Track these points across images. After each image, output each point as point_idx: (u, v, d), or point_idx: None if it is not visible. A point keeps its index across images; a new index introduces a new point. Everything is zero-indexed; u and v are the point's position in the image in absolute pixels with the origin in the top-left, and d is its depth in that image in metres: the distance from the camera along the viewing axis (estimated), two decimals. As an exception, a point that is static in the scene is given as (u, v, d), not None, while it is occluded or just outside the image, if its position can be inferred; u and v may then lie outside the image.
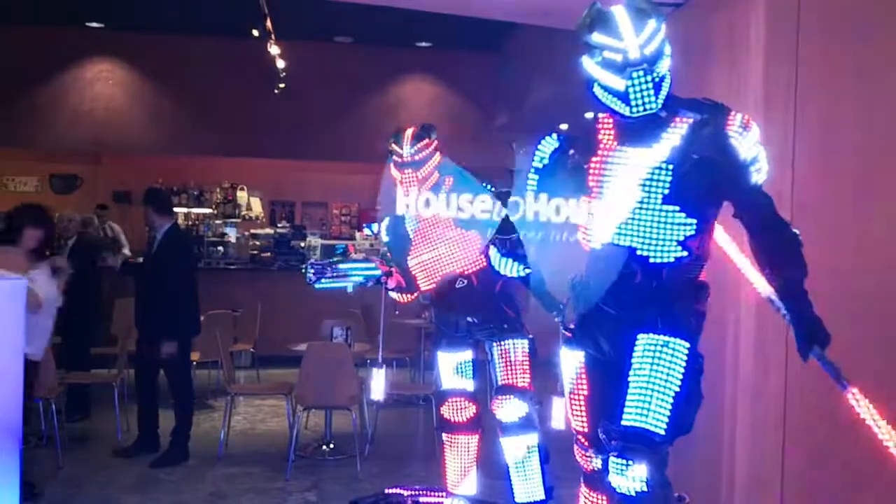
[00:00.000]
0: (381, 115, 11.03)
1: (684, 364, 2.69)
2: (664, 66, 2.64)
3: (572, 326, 2.97)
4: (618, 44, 2.59)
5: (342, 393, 5.77)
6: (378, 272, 4.52)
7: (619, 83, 2.62)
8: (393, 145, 4.24)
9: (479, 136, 10.86)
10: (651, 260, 2.72)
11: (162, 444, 5.91)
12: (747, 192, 2.75)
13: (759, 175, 2.74)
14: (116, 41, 10.88)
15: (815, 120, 3.96)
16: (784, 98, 3.97)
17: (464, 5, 5.81)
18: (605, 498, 2.97)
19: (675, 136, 2.71)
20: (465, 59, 11.23)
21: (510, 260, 3.21)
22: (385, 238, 4.57)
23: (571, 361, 2.98)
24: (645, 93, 2.61)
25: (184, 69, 10.86)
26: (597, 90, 2.70)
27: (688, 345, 2.72)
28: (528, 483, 4.24)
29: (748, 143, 2.70)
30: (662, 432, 2.63)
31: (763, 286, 2.98)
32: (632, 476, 2.60)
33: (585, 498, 3.08)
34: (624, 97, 2.64)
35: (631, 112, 2.65)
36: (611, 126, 2.80)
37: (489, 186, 4.02)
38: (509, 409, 4.19)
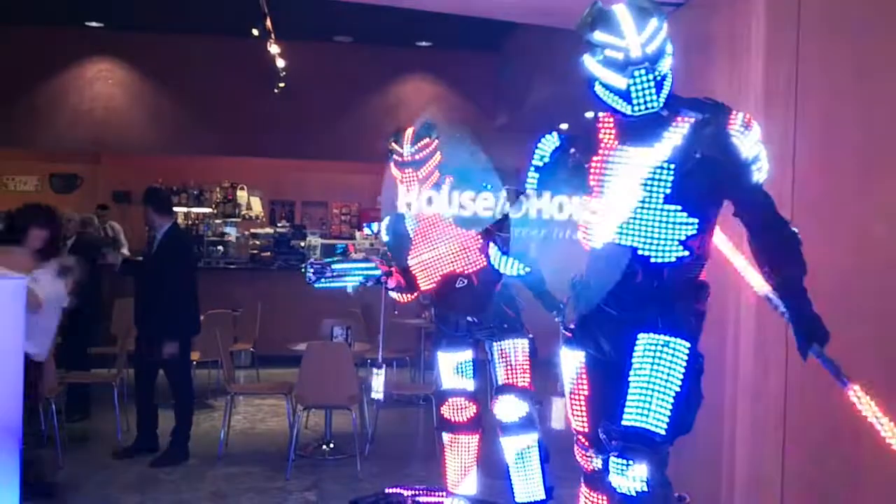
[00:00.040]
0: (381, 115, 11.03)
1: (685, 364, 2.69)
2: (666, 65, 2.64)
3: (572, 326, 2.97)
4: (620, 42, 2.59)
5: (342, 392, 5.77)
6: (378, 272, 4.52)
7: (620, 82, 2.62)
8: (393, 145, 4.24)
9: (479, 135, 10.83)
10: (652, 260, 2.72)
11: (162, 443, 5.91)
12: (749, 191, 2.75)
13: (760, 174, 2.74)
14: (116, 41, 10.88)
15: (816, 118, 3.96)
16: (784, 97, 3.97)
17: (464, 5, 5.81)
18: (605, 498, 2.97)
19: (676, 135, 2.71)
20: (466, 59, 11.23)
21: (511, 258, 3.19)
22: (385, 237, 4.57)
23: (571, 361, 2.98)
24: (647, 91, 2.61)
25: (184, 69, 10.86)
26: (598, 89, 2.70)
27: (688, 345, 2.72)
28: (528, 483, 4.24)
29: (750, 142, 2.70)
30: (663, 432, 2.62)
31: (760, 285, 2.98)
32: (632, 476, 2.60)
33: (586, 498, 3.08)
34: (626, 96, 2.63)
35: (633, 111, 2.65)
36: (611, 125, 2.80)
37: (488, 186, 4.02)
38: (509, 409, 4.19)
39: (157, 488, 5.33)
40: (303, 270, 4.53)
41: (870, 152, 3.97)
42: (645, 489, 2.58)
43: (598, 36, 2.62)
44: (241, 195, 11.76)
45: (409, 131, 4.25)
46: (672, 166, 2.69)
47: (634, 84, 2.61)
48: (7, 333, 4.04)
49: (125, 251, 10.26)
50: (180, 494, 5.22)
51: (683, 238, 2.71)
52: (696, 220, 2.71)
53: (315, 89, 11.07)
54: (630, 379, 2.71)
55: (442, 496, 4.47)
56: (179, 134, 11.22)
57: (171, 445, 5.88)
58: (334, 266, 4.48)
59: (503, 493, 4.40)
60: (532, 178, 2.92)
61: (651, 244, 2.71)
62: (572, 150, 2.85)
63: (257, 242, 10.80)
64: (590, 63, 2.68)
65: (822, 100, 3.98)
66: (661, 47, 2.62)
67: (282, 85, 10.69)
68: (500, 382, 4.25)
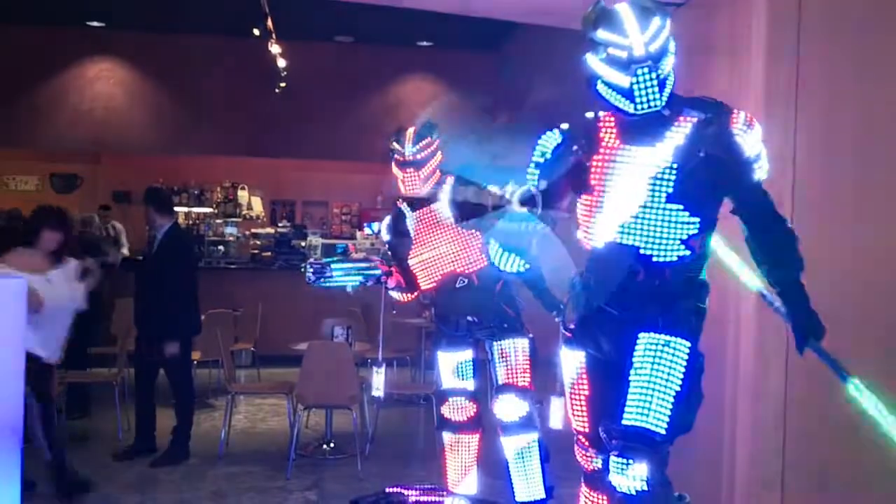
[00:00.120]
0: (381, 115, 11.03)
1: (685, 363, 2.69)
2: (669, 64, 2.64)
3: (572, 326, 2.97)
4: (623, 41, 2.59)
5: (343, 392, 5.77)
6: (378, 271, 4.52)
7: (623, 80, 2.62)
8: (395, 144, 4.24)
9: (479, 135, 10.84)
10: (654, 259, 2.72)
11: (162, 443, 5.91)
12: (749, 190, 2.76)
13: (760, 172, 2.75)
14: (117, 40, 10.88)
15: (816, 118, 3.97)
16: (785, 96, 3.97)
17: (464, 5, 5.81)
18: (605, 497, 2.96)
19: (679, 134, 2.71)
20: (466, 59, 11.23)
21: (511, 255, 3.18)
22: (386, 237, 4.57)
23: (571, 361, 2.98)
24: (650, 90, 2.61)
25: (184, 68, 10.86)
26: (600, 87, 2.70)
27: (689, 344, 2.72)
28: (528, 482, 4.24)
29: (752, 140, 2.71)
30: (663, 432, 2.62)
31: (754, 282, 2.99)
32: (632, 475, 2.60)
33: (586, 497, 3.08)
34: (628, 94, 2.63)
35: (635, 109, 2.65)
36: (613, 124, 2.80)
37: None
38: (510, 409, 4.19)
39: (158, 488, 5.33)
40: (303, 270, 4.53)
41: (870, 152, 3.98)
42: (645, 488, 2.58)
43: (602, 34, 2.62)
44: (242, 195, 11.77)
45: (411, 131, 4.26)
46: (675, 166, 2.69)
47: (637, 82, 2.61)
48: (7, 333, 4.04)
49: (125, 251, 10.28)
50: (181, 494, 5.22)
51: (685, 237, 2.72)
52: (698, 220, 2.72)
53: (316, 89, 11.07)
54: (630, 378, 2.70)
55: (443, 495, 4.47)
56: (180, 134, 11.22)
57: (171, 445, 5.88)
58: (334, 266, 4.49)
59: (503, 492, 4.40)
60: (532, 174, 2.92)
61: (653, 243, 2.71)
62: (574, 148, 2.85)
63: (258, 242, 10.80)
64: (593, 61, 2.67)
65: (823, 99, 3.98)
66: (664, 46, 2.62)
67: (283, 85, 10.69)
68: (500, 382, 4.25)
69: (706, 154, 2.68)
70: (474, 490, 4.45)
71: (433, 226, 4.31)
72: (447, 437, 4.45)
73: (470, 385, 4.40)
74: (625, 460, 2.61)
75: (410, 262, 4.39)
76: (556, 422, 3.92)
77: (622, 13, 2.60)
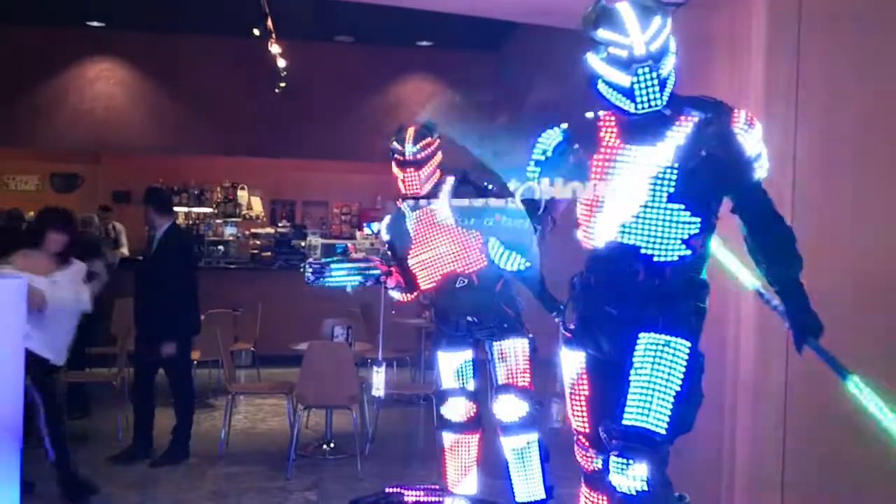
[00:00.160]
0: (381, 115, 11.02)
1: (685, 363, 2.69)
2: (669, 63, 2.64)
3: (572, 326, 2.97)
4: (623, 40, 2.58)
5: (343, 392, 5.77)
6: (377, 271, 4.51)
7: (624, 79, 2.61)
8: (395, 144, 4.24)
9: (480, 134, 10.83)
10: (655, 258, 2.72)
11: (162, 443, 5.90)
12: (750, 189, 2.77)
13: (761, 171, 2.76)
14: (117, 40, 10.88)
15: (817, 117, 3.96)
16: (785, 95, 3.97)
17: (464, 5, 5.82)
18: (605, 498, 2.96)
19: (680, 134, 2.71)
20: (466, 59, 11.23)
21: (512, 253, 3.16)
22: (386, 237, 4.57)
23: (571, 362, 2.98)
24: (650, 89, 2.61)
25: (184, 68, 10.86)
26: (601, 87, 2.69)
27: (689, 344, 2.72)
28: (528, 482, 4.23)
29: (753, 139, 2.72)
30: (663, 432, 2.62)
31: (751, 280, 3.00)
32: (632, 475, 2.60)
33: (586, 498, 3.08)
34: (629, 94, 2.63)
35: (636, 109, 2.65)
36: (613, 124, 2.80)
37: (489, 186, 4.02)
38: (510, 409, 4.19)
39: (158, 487, 5.33)
40: (302, 270, 4.54)
41: (870, 151, 3.97)
42: (645, 488, 2.58)
43: (602, 33, 2.62)
44: (242, 195, 11.77)
45: (411, 130, 4.25)
46: (676, 165, 2.69)
47: (638, 82, 2.60)
48: (7, 333, 4.04)
49: (125, 250, 10.29)
50: (181, 494, 5.22)
51: (686, 237, 2.72)
52: (699, 219, 2.72)
53: (316, 89, 11.07)
54: (630, 378, 2.70)
55: (442, 496, 4.47)
56: (180, 134, 11.22)
57: (171, 445, 5.87)
58: (333, 266, 4.48)
59: (503, 492, 4.40)
60: (533, 172, 2.91)
61: (654, 243, 2.71)
62: (576, 146, 2.84)
63: (258, 242, 10.80)
64: (593, 61, 2.67)
65: (823, 99, 3.98)
66: (665, 45, 2.61)
67: (283, 85, 10.69)
68: (500, 382, 4.25)
69: (707, 153, 2.68)
70: (474, 490, 4.45)
71: (433, 226, 4.31)
72: (448, 438, 4.44)
73: (470, 385, 4.39)
74: (625, 460, 2.61)
75: (410, 261, 4.39)
76: (556, 422, 3.92)
77: (623, 12, 2.60)
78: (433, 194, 4.29)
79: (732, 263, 3.16)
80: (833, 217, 3.94)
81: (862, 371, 2.72)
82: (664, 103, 2.65)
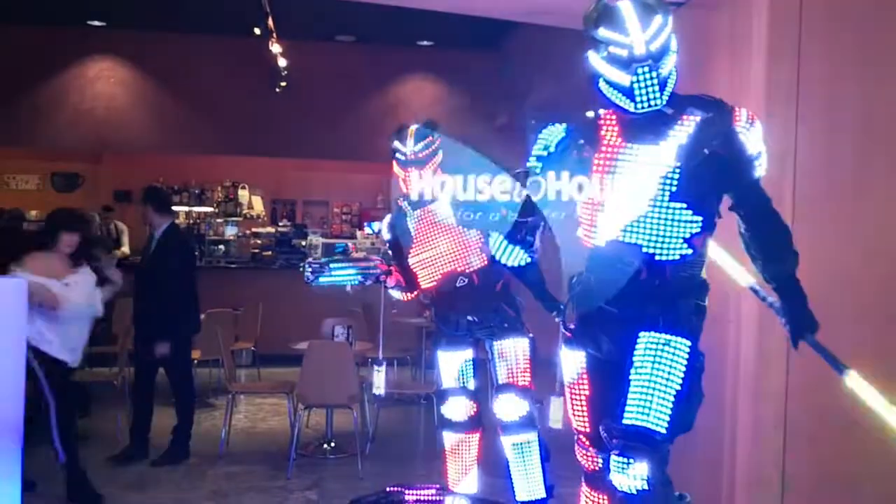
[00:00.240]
0: (382, 114, 11.02)
1: (685, 363, 2.69)
2: (670, 63, 2.63)
3: (572, 326, 2.96)
4: (624, 39, 2.58)
5: (343, 391, 5.77)
6: (376, 271, 4.51)
7: (624, 79, 2.61)
8: (396, 143, 4.24)
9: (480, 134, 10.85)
10: (657, 257, 2.72)
11: (162, 443, 5.90)
12: (750, 187, 2.77)
13: (760, 170, 2.77)
14: (118, 40, 10.88)
15: (817, 116, 3.96)
16: (786, 95, 3.97)
17: (465, 5, 5.81)
18: (606, 497, 2.96)
19: (682, 133, 2.71)
20: (467, 59, 11.23)
21: (517, 247, 3.16)
22: (387, 236, 4.57)
23: (571, 361, 2.98)
24: (650, 89, 2.60)
25: (185, 68, 10.86)
26: (602, 86, 2.69)
27: (689, 343, 2.72)
28: (529, 481, 4.24)
29: (754, 138, 2.73)
30: (664, 431, 2.62)
31: (745, 277, 3.00)
32: (633, 474, 2.60)
33: (586, 497, 3.08)
34: (629, 93, 2.62)
35: (635, 108, 2.64)
36: (614, 122, 2.80)
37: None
38: (510, 408, 4.19)
39: (158, 487, 5.33)
40: (301, 270, 4.53)
41: (871, 151, 3.98)
42: (646, 488, 2.58)
43: (603, 32, 2.61)
44: (243, 194, 11.78)
45: (412, 130, 4.25)
46: (679, 164, 2.69)
47: (638, 81, 2.60)
48: (8, 333, 4.04)
49: (126, 250, 10.30)
50: (181, 493, 5.22)
51: (688, 235, 2.72)
52: (701, 218, 2.72)
53: (316, 88, 11.06)
54: (631, 378, 2.70)
55: (443, 495, 4.47)
56: (181, 133, 11.22)
57: (172, 444, 5.87)
58: (332, 265, 4.48)
59: (504, 491, 4.40)
60: (534, 166, 2.90)
61: (656, 242, 2.71)
62: (581, 142, 2.84)
63: (258, 241, 10.80)
64: (594, 60, 2.67)
65: (824, 98, 3.98)
66: (666, 44, 2.61)
67: (283, 84, 10.69)
68: (500, 381, 4.25)
69: (710, 152, 2.68)
70: (475, 489, 4.45)
71: (433, 225, 4.31)
72: (449, 439, 4.44)
73: (470, 384, 4.40)
74: (625, 459, 2.61)
75: (410, 261, 4.39)
76: (556, 421, 3.92)
77: (624, 11, 2.59)
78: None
79: (726, 261, 3.16)
80: (833, 215, 3.95)
81: (861, 367, 2.72)
82: (664, 103, 2.65)
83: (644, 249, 2.72)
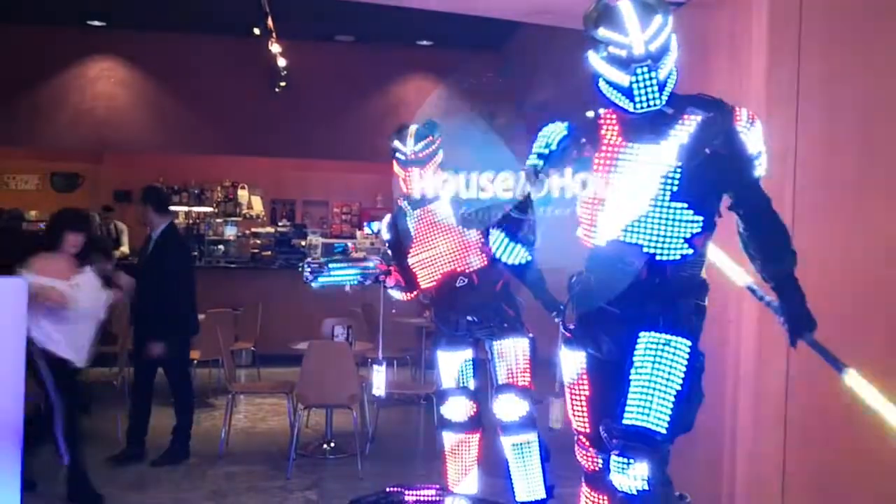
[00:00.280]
0: (382, 114, 11.03)
1: (686, 363, 2.69)
2: (670, 63, 2.63)
3: (572, 326, 2.96)
4: (623, 39, 2.57)
5: (343, 392, 5.77)
6: (376, 270, 4.51)
7: (623, 79, 2.61)
8: (396, 143, 4.24)
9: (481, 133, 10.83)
10: (658, 257, 2.72)
11: (162, 443, 5.89)
12: (750, 186, 2.78)
13: (760, 169, 2.77)
14: (118, 40, 10.88)
15: (817, 116, 3.97)
16: (786, 95, 3.97)
17: (465, 5, 5.81)
18: (606, 497, 2.96)
19: (683, 132, 2.71)
20: (467, 58, 11.22)
21: (517, 245, 3.15)
22: (387, 236, 4.57)
23: (572, 362, 2.98)
24: (649, 89, 2.60)
25: (185, 68, 10.86)
26: (602, 86, 2.69)
27: (689, 343, 2.72)
28: (528, 482, 4.23)
29: (755, 137, 2.73)
30: (664, 431, 2.62)
31: (741, 277, 3.00)
32: (633, 475, 2.60)
33: (586, 497, 3.08)
34: (628, 93, 2.62)
35: (634, 108, 2.64)
36: (614, 122, 2.80)
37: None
38: (510, 408, 4.19)
39: (158, 487, 5.33)
40: (300, 270, 4.53)
41: (871, 150, 3.98)
42: (646, 488, 2.58)
43: (603, 32, 2.61)
44: (242, 194, 11.78)
45: (412, 129, 4.25)
46: (680, 164, 2.69)
47: (637, 81, 2.60)
48: (8, 333, 4.04)
49: (125, 249, 10.29)
50: (181, 493, 5.22)
51: (689, 235, 2.72)
52: (702, 218, 2.72)
53: (316, 88, 11.07)
54: (631, 378, 2.70)
55: (443, 495, 4.47)
56: (181, 133, 11.22)
57: (172, 444, 5.87)
58: (331, 265, 4.49)
59: (504, 492, 4.40)
60: (536, 164, 2.90)
61: (657, 242, 2.71)
62: (583, 140, 2.83)
63: (258, 241, 10.80)
64: (594, 60, 2.67)
65: (824, 98, 3.98)
66: (665, 44, 2.60)
67: (283, 84, 10.70)
68: (500, 382, 4.25)
69: (711, 152, 2.68)
70: (475, 489, 4.45)
71: (433, 225, 4.31)
72: (449, 439, 4.44)
73: (470, 384, 4.39)
74: (626, 460, 2.61)
75: (410, 260, 4.39)
76: (556, 422, 3.92)
77: (623, 11, 2.59)
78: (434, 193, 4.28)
79: (723, 261, 3.16)
80: (834, 215, 3.95)
81: (862, 367, 2.72)
82: (663, 103, 2.65)
83: (645, 249, 2.72)
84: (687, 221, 2.71)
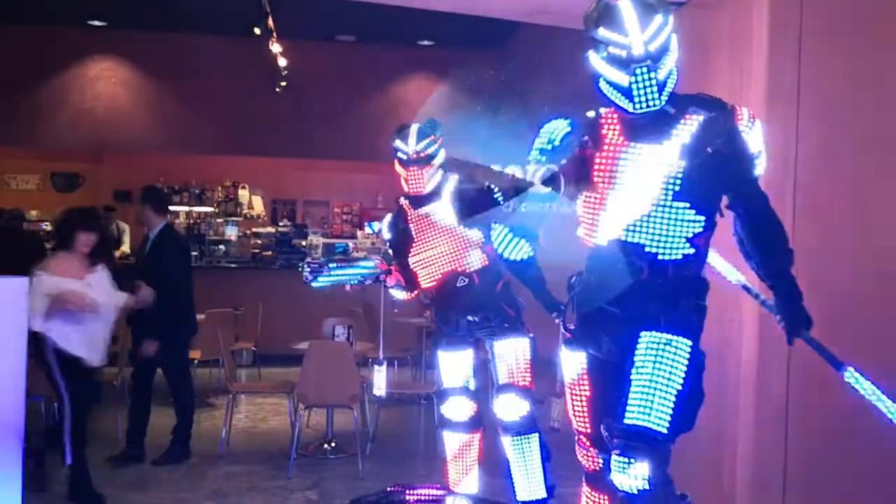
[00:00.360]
0: (383, 114, 11.03)
1: (687, 362, 2.69)
2: (669, 63, 2.63)
3: (572, 327, 2.96)
4: (622, 39, 2.57)
5: (344, 391, 5.77)
6: (376, 270, 4.51)
7: (623, 79, 2.60)
8: (398, 142, 4.24)
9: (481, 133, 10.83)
10: (660, 257, 2.72)
11: (163, 443, 5.90)
12: (749, 185, 2.78)
13: (760, 168, 2.78)
14: (118, 39, 10.89)
15: (818, 117, 3.96)
16: (786, 95, 3.97)
17: (465, 4, 5.81)
18: (606, 497, 2.96)
19: (685, 132, 2.70)
20: (468, 58, 11.21)
21: (521, 240, 3.15)
22: (387, 235, 4.57)
23: (572, 362, 2.98)
24: (648, 89, 2.59)
25: (186, 67, 10.86)
26: (602, 86, 2.69)
27: (690, 343, 2.72)
28: (529, 482, 4.23)
29: (755, 136, 2.74)
30: (665, 431, 2.62)
31: (735, 275, 3.00)
32: (634, 474, 2.59)
33: (587, 497, 3.08)
34: (627, 93, 2.62)
35: (634, 108, 2.64)
36: (615, 122, 2.79)
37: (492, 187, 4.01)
38: (510, 408, 4.19)
39: (159, 487, 5.33)
40: (300, 270, 4.53)
41: (871, 151, 3.98)
42: (647, 487, 2.58)
43: (602, 33, 2.61)
44: (243, 194, 11.78)
45: (414, 129, 4.25)
46: (682, 163, 2.68)
47: (636, 82, 2.59)
48: (9, 333, 4.04)
49: (126, 249, 10.29)
50: (182, 493, 5.22)
51: (691, 235, 2.72)
52: (703, 218, 2.72)
53: (317, 88, 11.07)
54: (632, 377, 2.70)
55: (444, 495, 4.47)
56: (181, 133, 11.22)
57: (172, 444, 5.87)
58: (331, 265, 4.49)
59: (505, 491, 4.40)
60: (538, 159, 2.90)
61: (659, 242, 2.71)
62: (585, 138, 2.83)
63: (259, 241, 10.81)
64: (594, 60, 2.66)
65: (825, 98, 3.98)
66: (665, 44, 2.59)
67: (284, 84, 10.70)
68: (500, 381, 4.25)
69: (713, 151, 2.68)
70: (476, 489, 4.45)
71: (434, 224, 4.31)
72: (449, 439, 4.44)
73: (471, 384, 4.40)
74: (626, 459, 2.61)
75: (410, 260, 4.39)
76: (556, 421, 3.92)
77: (623, 11, 2.58)
78: (436, 192, 4.29)
79: (717, 260, 3.16)
80: (834, 215, 3.95)
81: (862, 367, 2.72)
82: (663, 103, 2.64)
83: (647, 249, 2.72)
84: (689, 221, 2.70)
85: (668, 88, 2.64)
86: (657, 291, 2.73)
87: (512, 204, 3.04)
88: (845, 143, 3.98)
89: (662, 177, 2.69)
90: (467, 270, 4.26)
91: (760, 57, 4.04)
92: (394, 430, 6.88)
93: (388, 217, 4.57)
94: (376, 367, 4.86)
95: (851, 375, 2.67)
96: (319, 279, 4.47)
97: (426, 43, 11.25)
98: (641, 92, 2.60)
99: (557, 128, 2.91)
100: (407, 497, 4.60)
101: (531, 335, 4.30)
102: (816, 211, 3.89)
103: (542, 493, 4.24)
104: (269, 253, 10.58)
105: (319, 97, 11.10)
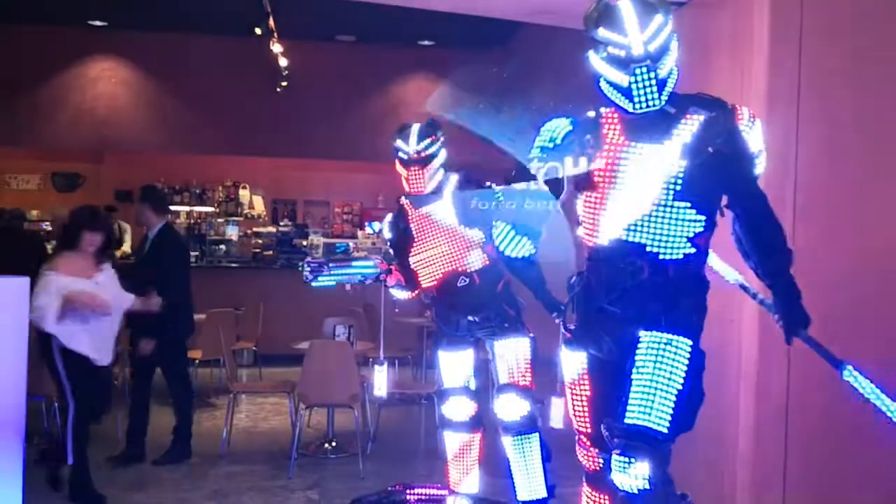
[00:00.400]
0: (383, 114, 11.03)
1: (687, 362, 2.69)
2: (670, 62, 2.63)
3: (572, 327, 2.96)
4: (622, 40, 2.57)
5: (344, 391, 5.77)
6: (375, 270, 4.51)
7: (622, 79, 2.60)
8: (399, 142, 4.24)
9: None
10: (661, 257, 2.72)
11: (163, 443, 5.90)
12: (749, 184, 2.79)
13: (759, 167, 2.78)
14: (119, 39, 10.88)
15: (818, 116, 3.97)
16: (787, 95, 3.97)
17: (465, 4, 5.81)
18: (607, 497, 2.96)
19: (686, 132, 2.71)
20: (468, 58, 11.21)
21: (524, 237, 3.16)
22: (388, 235, 4.57)
23: (572, 362, 2.98)
24: (648, 89, 2.60)
25: (186, 67, 10.86)
26: (602, 85, 2.69)
27: (690, 342, 2.72)
28: (530, 481, 4.24)
29: (756, 135, 2.74)
30: (665, 430, 2.62)
31: (732, 275, 3.01)
32: (634, 474, 2.60)
33: (588, 497, 3.08)
34: (627, 93, 2.62)
35: (634, 108, 2.64)
36: (616, 121, 2.80)
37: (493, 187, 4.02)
38: (511, 408, 4.19)
39: (160, 486, 5.33)
40: (300, 269, 4.53)
41: (871, 150, 3.98)
42: (647, 487, 2.58)
43: (602, 33, 2.61)
44: (244, 194, 11.78)
45: (414, 128, 4.25)
46: (683, 163, 2.69)
47: (636, 82, 2.60)
48: (9, 333, 4.05)
49: (127, 248, 10.29)
50: (182, 493, 5.22)
51: (692, 235, 2.72)
52: (704, 217, 2.72)
53: (317, 88, 11.07)
54: (632, 377, 2.70)
55: (444, 495, 4.48)
56: (182, 133, 11.22)
57: (173, 444, 5.87)
58: (331, 265, 4.49)
59: (505, 491, 4.41)
60: (539, 157, 2.90)
61: (660, 241, 2.71)
62: (588, 137, 2.83)
63: (259, 241, 10.81)
64: (594, 60, 2.67)
65: (825, 98, 3.98)
66: (665, 45, 2.60)
67: (284, 84, 10.69)
68: (501, 381, 4.25)
69: (714, 151, 2.68)
70: (476, 489, 4.46)
71: (434, 224, 4.31)
72: (450, 439, 4.44)
73: (471, 384, 4.40)
74: (627, 459, 2.61)
75: (411, 259, 4.39)
76: (556, 421, 3.92)
77: (623, 11, 2.59)
78: (437, 192, 4.29)
79: (714, 259, 3.16)
80: (835, 215, 3.95)
81: (862, 367, 2.72)
82: (662, 103, 2.65)
83: (648, 249, 2.72)
84: (690, 220, 2.71)
85: (668, 88, 2.65)
86: (658, 291, 2.74)
87: (514, 201, 3.05)
88: (845, 143, 3.98)
89: (663, 176, 2.69)
90: (468, 270, 4.26)
91: (761, 57, 4.04)
92: (394, 429, 6.88)
93: (389, 217, 4.58)
94: (377, 366, 4.85)
95: (850, 374, 2.68)
96: (320, 279, 4.47)
97: (426, 43, 11.25)
98: (641, 92, 2.61)
99: (559, 126, 2.91)
100: (408, 497, 4.60)
101: (531, 335, 4.30)
102: (816, 211, 3.89)
103: (543, 493, 4.24)
104: (270, 253, 10.58)
105: (320, 97, 11.10)
